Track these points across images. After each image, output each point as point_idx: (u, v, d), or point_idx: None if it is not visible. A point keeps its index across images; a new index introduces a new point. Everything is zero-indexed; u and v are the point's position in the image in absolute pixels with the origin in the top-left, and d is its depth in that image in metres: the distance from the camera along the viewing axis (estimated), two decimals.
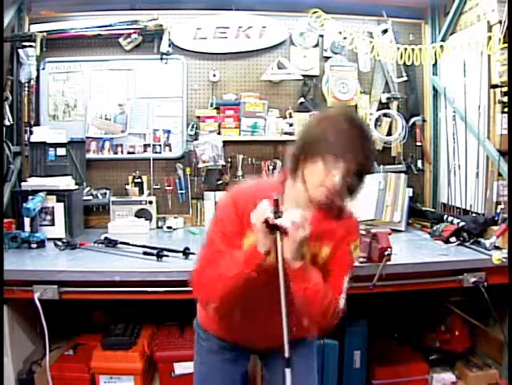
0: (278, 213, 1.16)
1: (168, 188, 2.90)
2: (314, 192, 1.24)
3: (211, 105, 2.92)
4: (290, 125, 2.88)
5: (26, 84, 2.81)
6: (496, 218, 2.28)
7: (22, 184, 2.57)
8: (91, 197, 2.83)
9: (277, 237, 1.17)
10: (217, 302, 1.28)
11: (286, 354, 1.24)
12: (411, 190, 2.86)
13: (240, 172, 2.92)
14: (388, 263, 1.89)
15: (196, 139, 2.85)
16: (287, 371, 1.26)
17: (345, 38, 2.80)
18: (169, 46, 2.87)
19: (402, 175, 2.82)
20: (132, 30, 2.82)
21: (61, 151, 2.77)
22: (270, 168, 2.91)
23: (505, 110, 2.32)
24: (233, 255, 1.23)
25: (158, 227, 2.84)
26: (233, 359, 1.50)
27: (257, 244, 1.18)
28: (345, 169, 1.20)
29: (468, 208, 2.58)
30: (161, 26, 2.82)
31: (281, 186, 1.33)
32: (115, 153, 2.91)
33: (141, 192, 2.88)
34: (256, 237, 1.18)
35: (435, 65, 2.97)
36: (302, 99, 2.95)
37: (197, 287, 1.31)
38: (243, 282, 1.20)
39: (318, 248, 1.31)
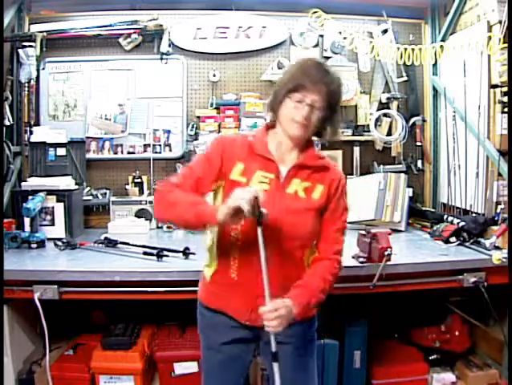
0: (257, 208, 1.22)
1: None
2: (288, 128, 1.38)
3: (211, 105, 2.92)
4: None
5: (26, 84, 2.81)
6: (496, 218, 2.28)
7: (22, 184, 2.57)
8: (91, 197, 2.83)
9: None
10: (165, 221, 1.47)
11: (273, 349, 1.31)
12: (411, 190, 2.86)
13: None
14: (388, 263, 1.89)
15: (196, 139, 2.86)
16: (275, 366, 1.29)
17: (345, 38, 2.80)
18: (169, 46, 2.87)
19: (402, 175, 2.82)
20: (132, 30, 2.82)
21: (61, 151, 2.77)
22: None
23: (505, 110, 2.31)
24: (196, 200, 1.34)
25: (158, 227, 2.83)
26: (233, 357, 1.49)
27: (218, 210, 1.24)
28: (311, 101, 1.33)
29: (468, 208, 2.58)
30: (161, 26, 2.82)
31: (265, 132, 1.45)
32: (115, 153, 2.91)
33: (141, 192, 2.88)
34: (223, 207, 1.24)
35: (435, 65, 2.97)
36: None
37: (158, 202, 1.45)
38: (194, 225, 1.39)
39: (312, 185, 1.41)
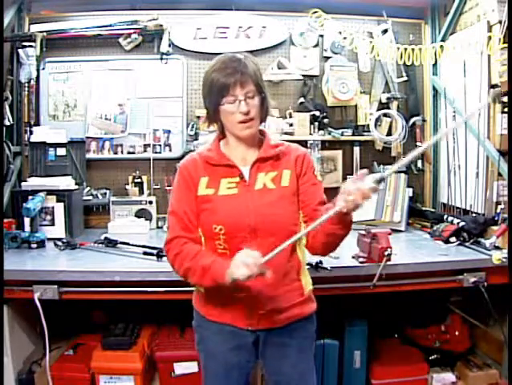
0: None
1: (168, 188, 2.89)
2: (238, 131, 1.37)
3: None
4: (290, 125, 2.88)
5: (26, 84, 2.81)
6: (496, 218, 2.27)
7: (22, 184, 2.57)
8: (91, 197, 2.83)
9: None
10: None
11: None
12: (411, 190, 2.86)
13: None
14: (388, 263, 1.88)
15: (196, 139, 2.85)
16: None
17: (345, 38, 2.80)
18: (169, 46, 2.86)
19: (402, 175, 2.82)
20: (132, 30, 2.82)
21: (61, 151, 2.77)
22: None
23: (506, 110, 2.31)
24: (204, 264, 1.30)
25: (158, 227, 2.84)
26: (236, 365, 1.47)
27: (228, 272, 1.23)
28: (244, 95, 1.32)
29: (468, 208, 2.58)
30: (161, 26, 2.82)
31: (218, 143, 1.45)
32: (115, 153, 2.91)
33: (141, 192, 2.88)
34: (231, 275, 1.22)
35: (435, 65, 2.97)
36: (302, 99, 2.95)
37: (174, 267, 1.40)
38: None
39: (278, 174, 1.41)
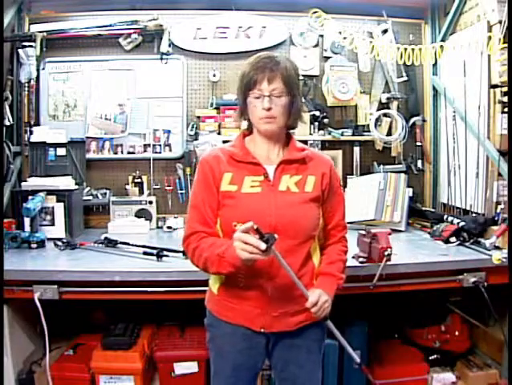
0: (263, 238, 1.18)
1: (168, 188, 2.90)
2: (260, 127, 1.38)
3: (211, 105, 2.93)
4: None
5: (26, 84, 2.81)
6: (496, 218, 2.28)
7: (22, 184, 2.57)
8: (91, 197, 2.83)
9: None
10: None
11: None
12: (411, 190, 2.86)
13: None
14: (388, 263, 1.88)
15: (196, 139, 2.86)
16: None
17: (345, 38, 2.80)
18: (169, 46, 2.87)
19: (402, 175, 2.82)
20: (132, 30, 2.82)
21: (61, 151, 2.77)
22: None
23: (505, 110, 2.32)
24: (218, 250, 1.29)
25: (158, 227, 2.84)
26: (246, 366, 1.47)
27: (234, 260, 1.24)
28: (269, 91, 1.33)
29: (468, 208, 2.58)
30: (161, 26, 2.82)
31: (242, 139, 1.45)
32: (115, 153, 2.91)
33: (141, 192, 2.88)
34: (235, 259, 1.23)
35: (435, 65, 2.98)
36: (302, 99, 2.95)
37: (190, 256, 1.40)
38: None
39: (303, 178, 1.41)
